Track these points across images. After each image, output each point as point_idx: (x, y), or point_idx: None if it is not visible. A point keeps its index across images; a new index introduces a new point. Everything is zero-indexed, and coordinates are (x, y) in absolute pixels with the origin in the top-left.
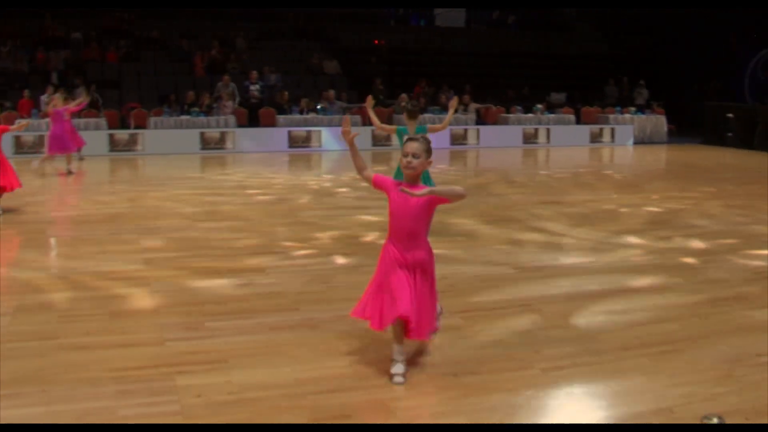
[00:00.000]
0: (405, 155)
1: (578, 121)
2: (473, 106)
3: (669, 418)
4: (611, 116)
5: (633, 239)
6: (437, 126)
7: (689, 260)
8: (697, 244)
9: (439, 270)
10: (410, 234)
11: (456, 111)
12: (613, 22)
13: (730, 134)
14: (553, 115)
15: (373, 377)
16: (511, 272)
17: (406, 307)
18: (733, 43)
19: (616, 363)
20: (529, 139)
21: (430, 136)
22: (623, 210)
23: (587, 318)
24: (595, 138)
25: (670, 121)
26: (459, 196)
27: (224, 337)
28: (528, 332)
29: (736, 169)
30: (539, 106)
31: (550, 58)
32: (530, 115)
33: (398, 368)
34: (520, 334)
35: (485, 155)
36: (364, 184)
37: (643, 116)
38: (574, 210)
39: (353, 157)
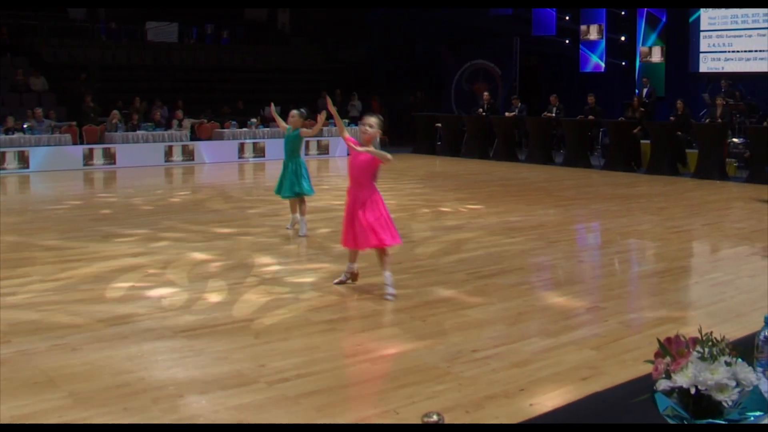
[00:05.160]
0: (363, 124)
1: None
2: (187, 122)
3: (395, 419)
4: (325, 128)
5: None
6: (307, 131)
7: (410, 263)
8: (417, 249)
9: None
10: (356, 180)
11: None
12: (328, 36)
13: (439, 143)
14: (267, 129)
15: (93, 406)
16: (229, 287)
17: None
18: (444, 56)
19: (340, 371)
20: (244, 153)
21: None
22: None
23: (299, 332)
24: (311, 150)
25: (383, 132)
26: (386, 160)
27: None
28: (251, 347)
29: (444, 176)
30: (254, 120)
31: (266, 72)
32: (245, 129)
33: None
34: (243, 349)
35: (202, 171)
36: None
37: (356, 128)
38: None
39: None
